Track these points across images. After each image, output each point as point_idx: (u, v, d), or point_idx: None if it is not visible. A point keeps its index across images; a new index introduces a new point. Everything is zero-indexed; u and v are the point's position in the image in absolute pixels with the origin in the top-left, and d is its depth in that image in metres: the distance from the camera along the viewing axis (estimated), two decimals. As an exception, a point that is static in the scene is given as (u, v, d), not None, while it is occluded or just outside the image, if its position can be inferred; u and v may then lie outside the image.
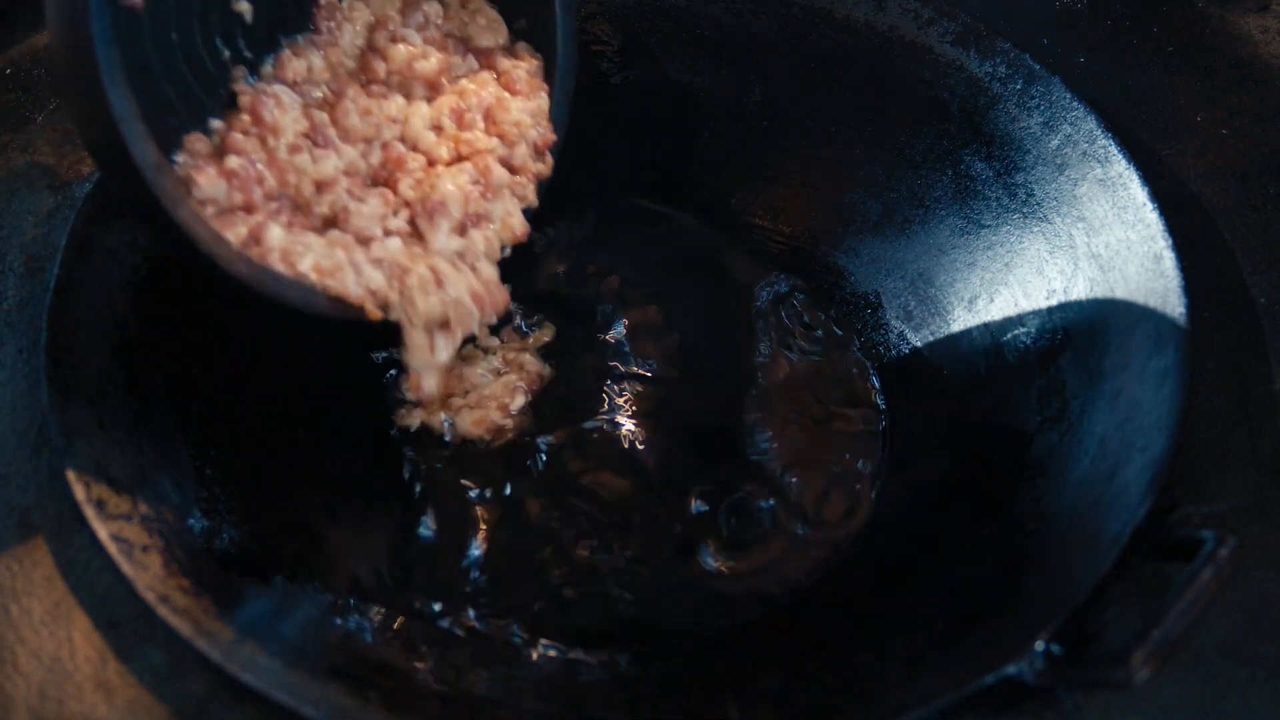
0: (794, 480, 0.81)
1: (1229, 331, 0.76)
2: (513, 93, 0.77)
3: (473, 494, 0.81)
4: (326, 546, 0.75)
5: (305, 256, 0.68)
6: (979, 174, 0.84)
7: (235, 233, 0.66)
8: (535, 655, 0.73)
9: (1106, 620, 0.64)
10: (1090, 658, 0.59)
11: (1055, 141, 0.80)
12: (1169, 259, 0.73)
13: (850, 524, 0.80)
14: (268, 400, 0.79)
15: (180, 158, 0.66)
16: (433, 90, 0.76)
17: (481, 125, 0.76)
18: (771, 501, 0.80)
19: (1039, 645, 0.59)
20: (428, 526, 0.79)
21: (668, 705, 0.70)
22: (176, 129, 0.66)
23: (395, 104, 0.74)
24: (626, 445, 0.83)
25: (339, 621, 0.70)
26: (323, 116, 0.71)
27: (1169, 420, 0.67)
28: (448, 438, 0.82)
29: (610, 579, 0.77)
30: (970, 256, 0.85)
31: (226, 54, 0.68)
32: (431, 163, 0.75)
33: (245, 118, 0.69)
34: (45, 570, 0.66)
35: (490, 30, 0.78)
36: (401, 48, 0.74)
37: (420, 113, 0.74)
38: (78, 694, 0.62)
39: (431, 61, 0.74)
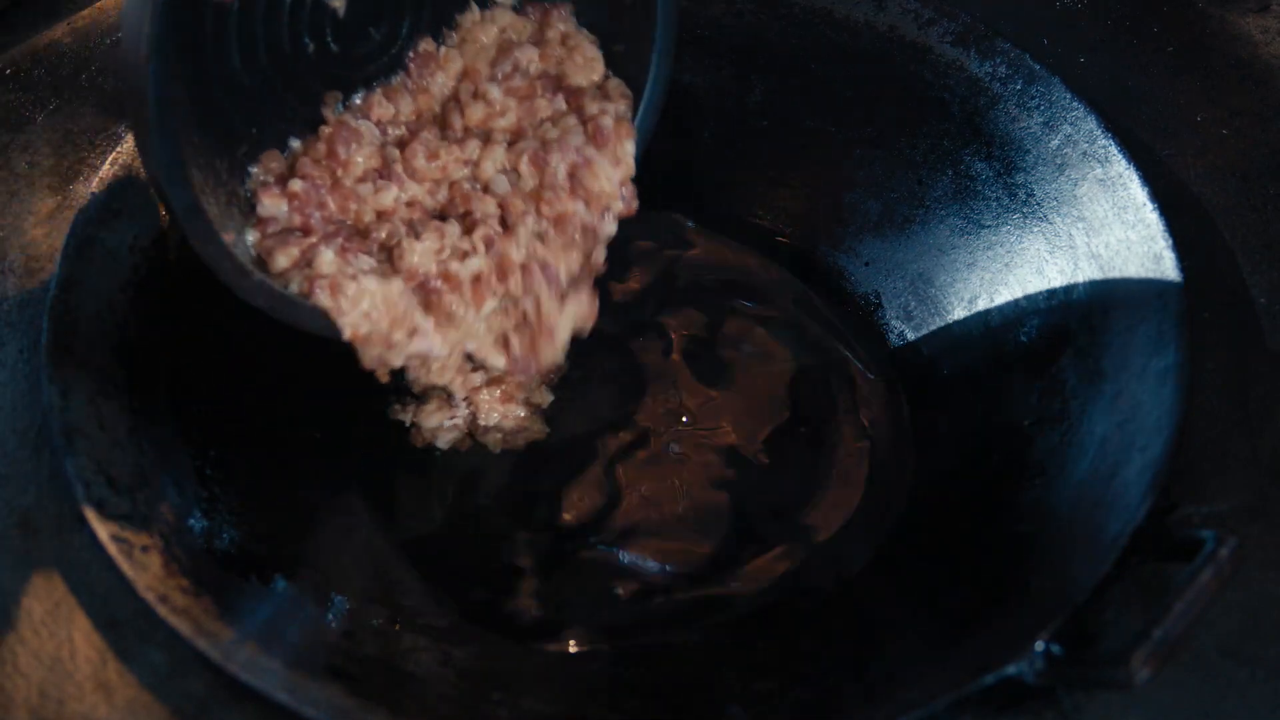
0: (794, 480, 0.81)
1: (1229, 331, 0.76)
2: (599, 143, 0.74)
3: (475, 494, 0.81)
4: (327, 546, 0.75)
5: (353, 309, 0.68)
6: (979, 174, 0.84)
7: (288, 254, 0.67)
8: (536, 655, 0.73)
9: (1106, 620, 0.64)
10: (1090, 658, 0.59)
11: (1055, 141, 0.80)
12: (1169, 259, 0.73)
13: (850, 524, 0.80)
14: (268, 400, 0.79)
15: (254, 169, 0.68)
16: (515, 135, 0.74)
17: (565, 182, 0.73)
18: (771, 501, 0.80)
19: (1039, 645, 0.59)
20: (429, 526, 0.79)
21: (668, 705, 0.70)
22: (258, 130, 0.67)
23: (469, 148, 0.73)
24: (628, 446, 0.83)
25: (339, 621, 0.70)
26: (395, 153, 0.71)
27: (1169, 420, 0.67)
28: (440, 445, 0.82)
29: (612, 581, 0.77)
30: (970, 256, 0.85)
31: (312, 48, 0.68)
32: (505, 217, 0.72)
33: (322, 146, 0.70)
34: (45, 570, 0.66)
35: (586, 68, 0.76)
36: (479, 107, 0.73)
37: (495, 157, 0.73)
38: (78, 694, 0.62)
39: (509, 118, 0.73)
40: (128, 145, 0.76)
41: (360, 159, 0.70)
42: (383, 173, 0.71)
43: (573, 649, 0.74)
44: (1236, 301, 0.78)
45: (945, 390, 0.85)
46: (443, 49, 0.74)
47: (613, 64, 0.77)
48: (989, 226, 0.84)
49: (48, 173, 0.83)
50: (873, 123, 0.88)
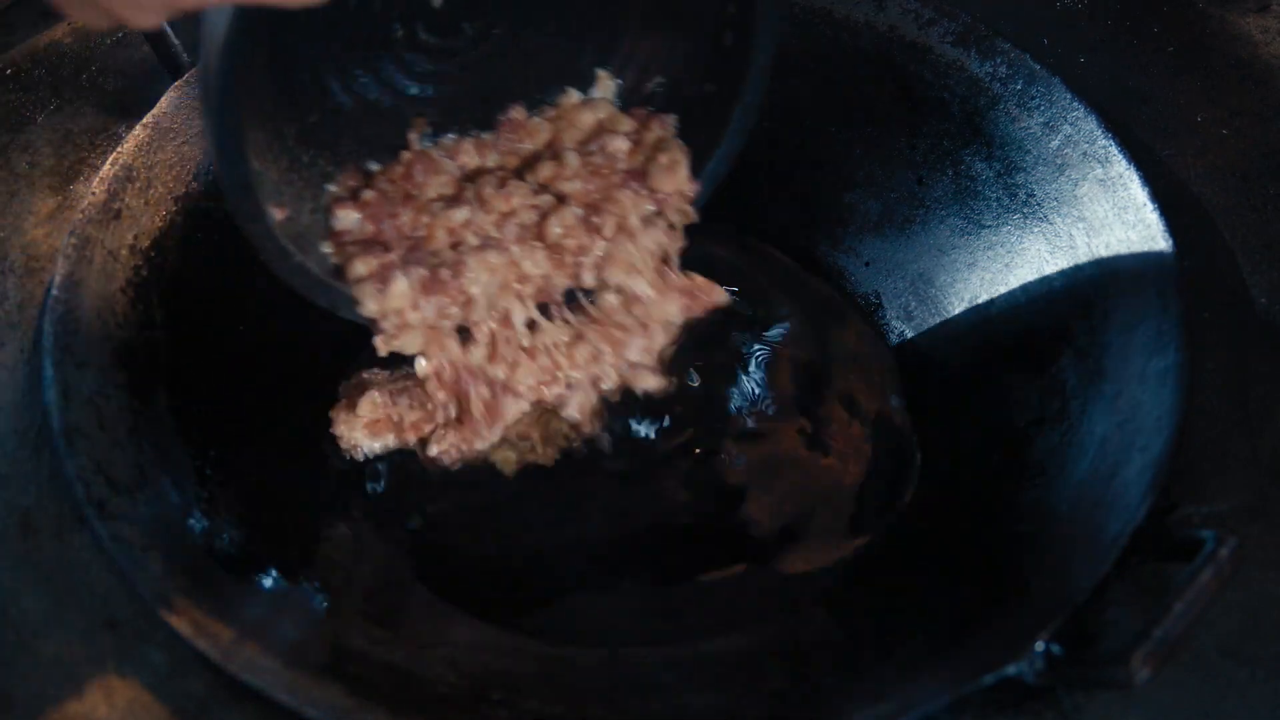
0: (794, 480, 0.81)
1: (1229, 331, 0.76)
2: (660, 293, 0.76)
3: (478, 498, 0.81)
4: (326, 546, 0.75)
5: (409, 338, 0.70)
6: (979, 174, 0.84)
7: (366, 263, 0.68)
8: (536, 654, 0.73)
9: (1106, 620, 0.64)
10: (1090, 658, 0.59)
11: (1055, 142, 0.80)
12: (1169, 260, 0.73)
13: (850, 524, 0.80)
14: (268, 400, 0.79)
15: (332, 187, 0.69)
16: (590, 210, 0.74)
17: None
18: (771, 503, 0.80)
19: (1039, 645, 0.59)
20: (429, 527, 0.79)
21: (668, 705, 0.70)
22: (338, 101, 0.68)
23: (542, 198, 0.73)
24: (628, 451, 0.83)
25: (339, 621, 0.70)
26: (469, 185, 0.73)
27: (1169, 420, 0.67)
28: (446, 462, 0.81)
29: (611, 580, 0.77)
30: (970, 256, 0.85)
31: (401, 33, 0.68)
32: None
33: (400, 169, 0.71)
34: (45, 570, 0.66)
35: (669, 172, 0.74)
36: (549, 166, 0.73)
37: (564, 219, 0.73)
38: (78, 694, 0.62)
39: (574, 184, 0.73)
40: (128, 145, 0.76)
41: (434, 185, 0.72)
42: (455, 198, 0.72)
43: (573, 649, 0.74)
44: (1236, 301, 0.78)
45: (945, 390, 0.85)
46: (535, 119, 0.75)
47: (701, 103, 0.75)
48: (989, 227, 0.84)
49: (48, 173, 0.83)
50: (873, 123, 0.88)
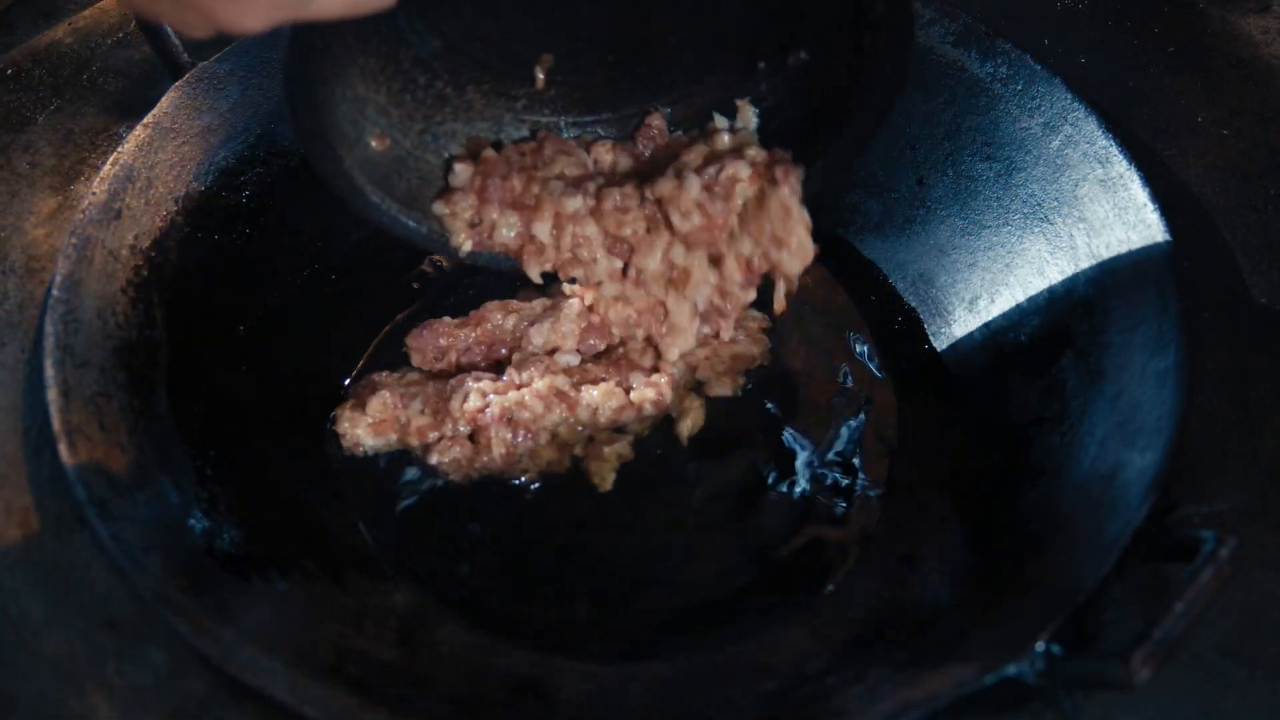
0: (796, 480, 0.81)
1: (1229, 331, 0.76)
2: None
3: (478, 495, 0.81)
4: (327, 546, 0.75)
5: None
6: (979, 174, 0.84)
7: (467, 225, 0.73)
8: (536, 656, 0.73)
9: (1106, 620, 0.64)
10: (1090, 658, 0.59)
11: (1056, 142, 0.80)
12: (1169, 260, 0.73)
13: (851, 524, 0.80)
14: (268, 400, 0.79)
15: (455, 148, 0.74)
16: (716, 266, 0.76)
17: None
18: (773, 501, 0.80)
19: (1039, 645, 0.59)
20: (431, 528, 0.79)
21: (668, 705, 0.70)
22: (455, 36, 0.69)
23: (657, 241, 0.74)
24: (632, 454, 0.83)
25: (338, 621, 0.70)
26: (593, 182, 0.74)
27: (1169, 420, 0.67)
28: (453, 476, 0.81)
29: (612, 582, 0.77)
30: (971, 257, 0.85)
31: None
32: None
33: (532, 144, 0.75)
34: (45, 570, 0.66)
35: (798, 258, 0.73)
36: (669, 182, 0.73)
37: (701, 287, 0.75)
38: (78, 694, 0.62)
39: (689, 221, 0.73)
40: (128, 145, 0.76)
41: (560, 163, 0.74)
42: (576, 184, 0.73)
43: (574, 650, 0.74)
44: (1236, 301, 0.78)
45: (946, 390, 0.85)
46: (676, 133, 0.77)
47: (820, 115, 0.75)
48: (990, 227, 0.84)
49: (49, 173, 0.83)
50: (873, 123, 0.88)
